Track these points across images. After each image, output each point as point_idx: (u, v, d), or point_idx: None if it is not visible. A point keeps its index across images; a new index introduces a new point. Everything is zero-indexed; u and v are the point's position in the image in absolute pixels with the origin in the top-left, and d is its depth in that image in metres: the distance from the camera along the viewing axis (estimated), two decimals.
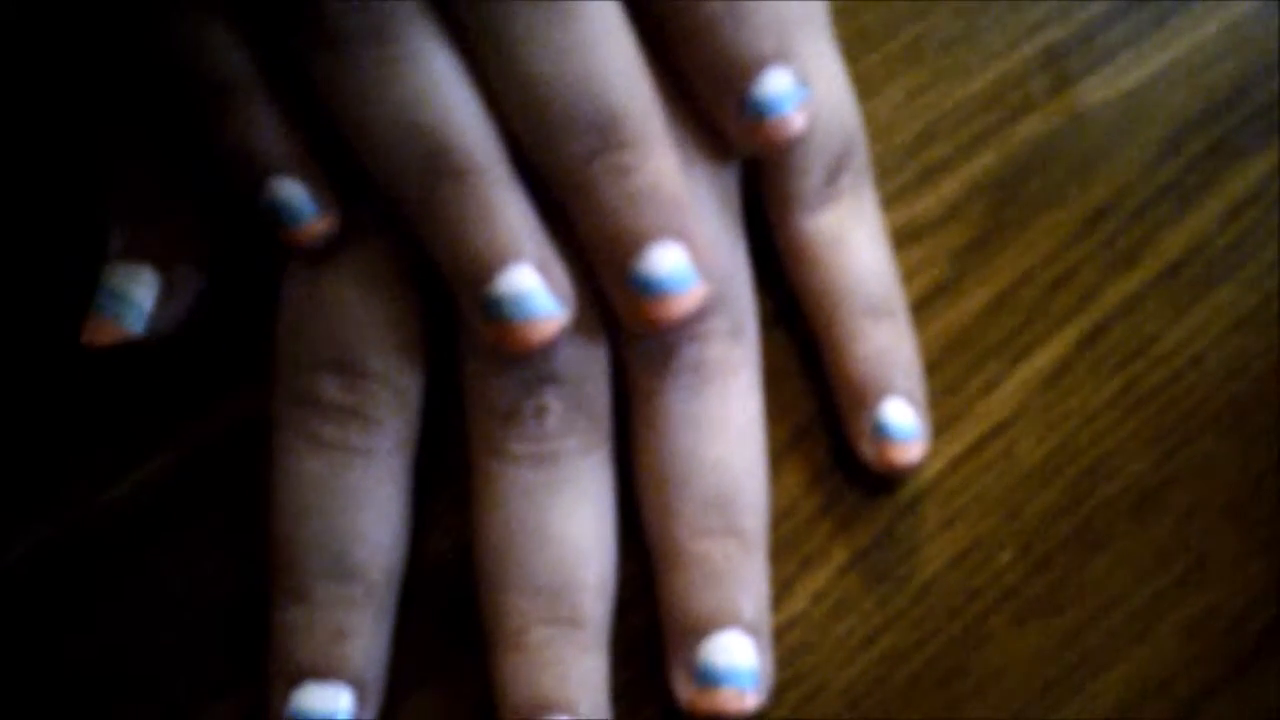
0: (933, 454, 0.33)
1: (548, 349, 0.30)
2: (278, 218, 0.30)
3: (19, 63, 0.33)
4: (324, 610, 0.30)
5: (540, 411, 0.30)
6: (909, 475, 0.33)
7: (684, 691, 0.30)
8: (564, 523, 0.30)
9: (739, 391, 0.31)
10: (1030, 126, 0.35)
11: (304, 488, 0.30)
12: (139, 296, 0.30)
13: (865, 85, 0.35)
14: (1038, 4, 0.36)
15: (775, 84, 0.30)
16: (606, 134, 0.29)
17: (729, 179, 0.32)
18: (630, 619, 0.31)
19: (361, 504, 0.30)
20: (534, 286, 0.29)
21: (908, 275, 0.34)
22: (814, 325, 0.33)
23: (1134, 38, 0.36)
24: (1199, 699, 0.32)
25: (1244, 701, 0.32)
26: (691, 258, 0.30)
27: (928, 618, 0.32)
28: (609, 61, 0.30)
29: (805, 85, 0.31)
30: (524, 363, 0.30)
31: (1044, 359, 0.34)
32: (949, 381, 0.34)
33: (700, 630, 0.30)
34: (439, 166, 0.29)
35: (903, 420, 0.32)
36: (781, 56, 0.30)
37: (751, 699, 0.30)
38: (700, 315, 0.30)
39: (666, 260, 0.29)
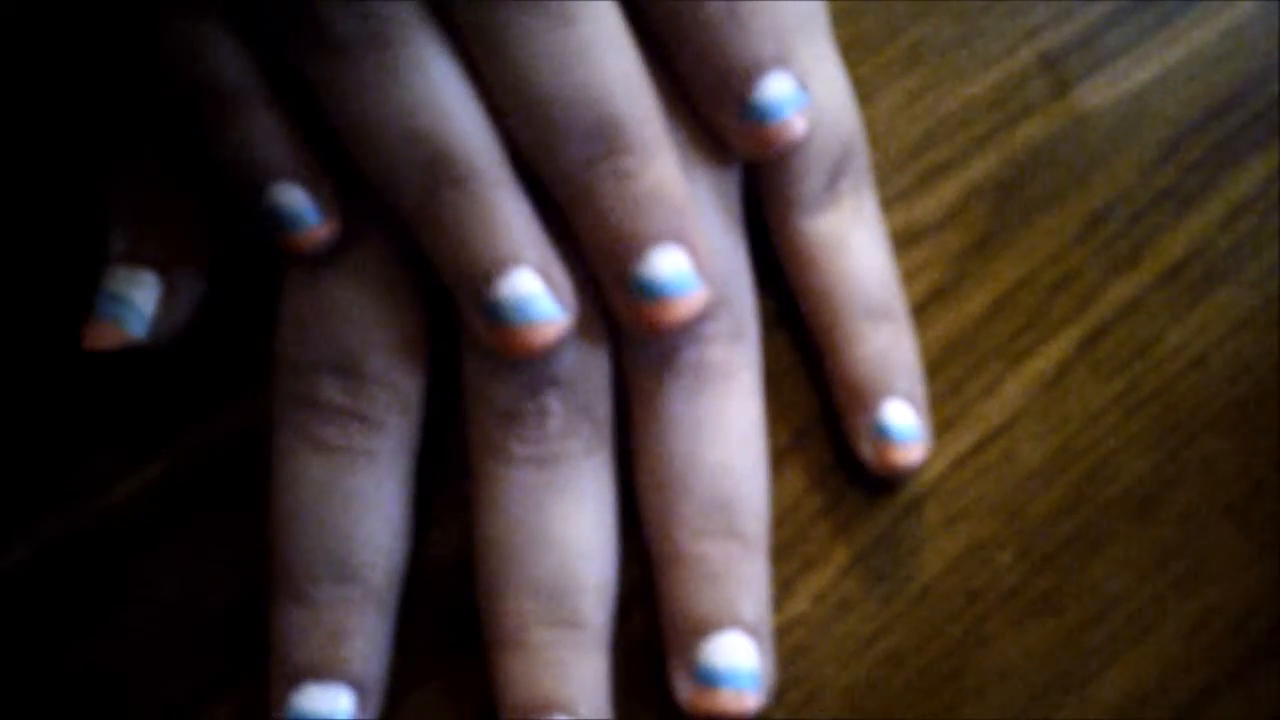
0: (933, 456, 0.33)
1: (549, 353, 0.30)
2: (278, 224, 0.30)
3: (20, 66, 0.33)
4: (324, 611, 0.30)
5: (541, 414, 0.31)
6: (910, 477, 0.33)
7: (684, 692, 0.30)
8: (565, 524, 0.30)
9: (740, 393, 0.32)
10: (1030, 129, 0.35)
11: (305, 490, 0.30)
12: (140, 300, 0.30)
13: (865, 89, 0.35)
14: (1037, 7, 0.36)
15: (775, 88, 0.31)
16: (607, 139, 0.29)
17: (729, 182, 0.32)
18: (630, 620, 0.31)
19: (362, 506, 0.30)
20: (535, 290, 0.29)
21: (908, 278, 0.34)
22: (814, 328, 0.33)
23: (1134, 41, 0.36)
24: (1200, 700, 0.32)
25: (1245, 703, 0.32)
26: (692, 262, 0.30)
27: (928, 619, 0.32)
28: (609, 66, 0.30)
29: (805, 90, 0.31)
30: (525, 365, 0.30)
31: (1044, 361, 0.34)
32: (949, 383, 0.34)
33: (701, 631, 0.30)
34: (439, 172, 0.29)
35: (903, 422, 0.32)
36: (781, 61, 0.31)
37: (752, 700, 0.30)
38: (701, 318, 0.30)
39: (667, 264, 0.30)
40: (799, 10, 0.32)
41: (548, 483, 0.31)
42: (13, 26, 0.32)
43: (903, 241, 0.34)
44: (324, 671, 0.29)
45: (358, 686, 0.30)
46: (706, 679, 0.30)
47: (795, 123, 0.31)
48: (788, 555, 0.32)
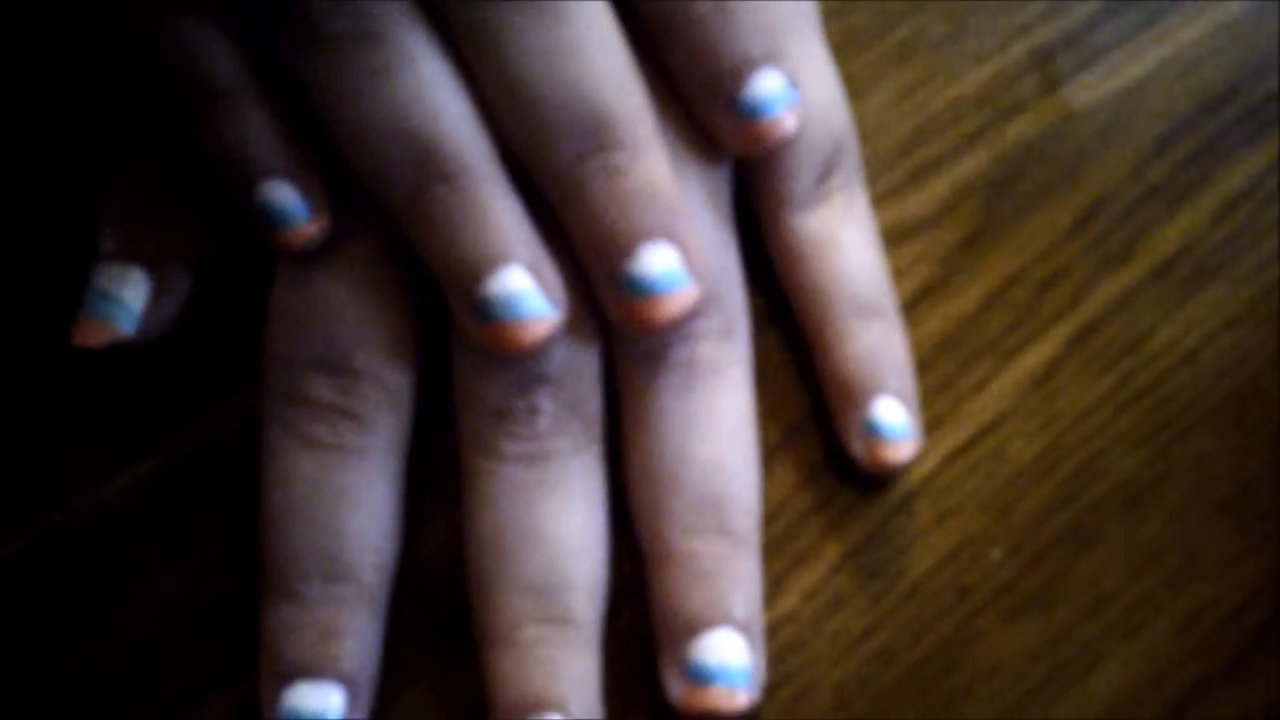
0: (924, 453, 0.33)
1: (539, 350, 0.30)
2: (269, 221, 0.30)
3: (14, 63, 0.33)
4: (315, 609, 0.30)
5: (532, 411, 0.31)
6: (900, 474, 0.33)
7: (676, 690, 0.30)
8: (555, 522, 0.30)
9: (730, 390, 0.32)
10: (1021, 126, 0.35)
11: (295, 487, 0.30)
12: (129, 298, 0.30)
13: (856, 86, 0.35)
14: (1028, 4, 0.36)
15: (766, 85, 0.31)
16: (597, 135, 0.29)
17: (720, 180, 0.32)
18: (621, 617, 0.31)
19: (353, 503, 0.30)
20: (526, 288, 0.29)
21: (898, 275, 0.34)
22: (805, 325, 0.33)
23: (1124, 37, 0.36)
24: (1191, 696, 0.32)
25: (1237, 698, 0.32)
26: (683, 259, 0.30)
27: (919, 616, 0.32)
28: (599, 63, 0.30)
29: (796, 86, 0.31)
30: (516, 363, 0.30)
31: (1035, 357, 0.34)
32: (940, 380, 0.34)
33: (691, 629, 0.30)
34: (429, 169, 0.29)
35: (894, 419, 0.32)
36: (772, 58, 0.31)
37: (743, 697, 0.30)
38: (692, 315, 0.30)
39: (658, 261, 0.30)
40: (789, 7, 0.32)
41: (538, 480, 0.30)
42: (8, 26, 0.32)
43: (893, 238, 0.34)
44: (315, 670, 0.29)
45: (349, 684, 0.30)
46: (698, 676, 0.30)
47: (786, 119, 0.31)
48: (779, 552, 0.32)
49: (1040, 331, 0.34)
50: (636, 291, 0.30)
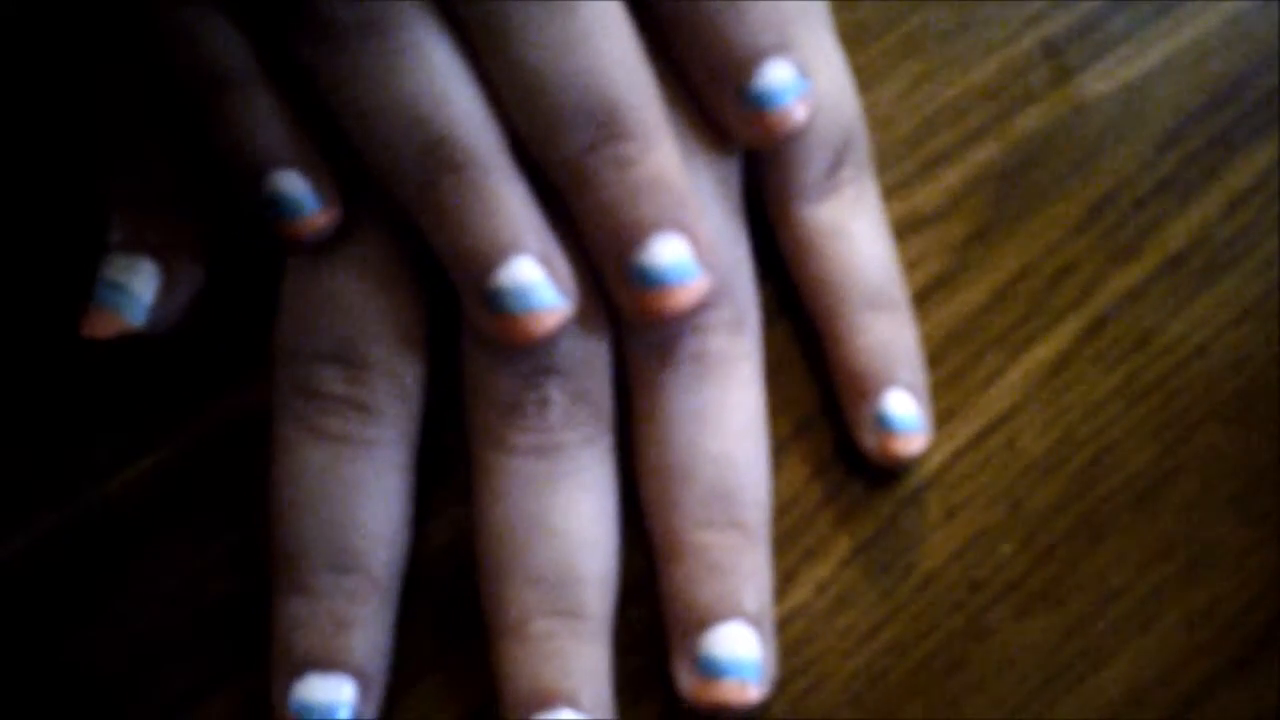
0: (934, 446, 0.33)
1: (550, 341, 0.30)
2: (278, 211, 0.30)
3: (20, 55, 0.33)
4: (326, 601, 0.30)
5: (542, 403, 0.30)
6: (911, 467, 0.33)
7: (686, 683, 0.30)
8: (566, 514, 0.30)
9: (741, 383, 0.31)
10: (1031, 118, 0.35)
11: (305, 479, 0.30)
12: (139, 288, 0.30)
13: (865, 77, 0.35)
14: None
15: (776, 76, 0.30)
16: (607, 126, 0.29)
17: (730, 171, 0.32)
18: (632, 611, 0.31)
19: (363, 495, 0.30)
20: (536, 279, 0.29)
21: (909, 267, 0.34)
22: (815, 317, 0.33)
23: (1135, 29, 0.36)
24: (1202, 691, 0.32)
25: (1247, 694, 0.32)
26: (693, 250, 0.30)
27: (930, 610, 0.32)
28: (609, 53, 0.30)
29: (806, 77, 0.31)
30: (526, 355, 0.30)
31: (1046, 351, 0.34)
32: (950, 373, 0.34)
33: (703, 622, 0.30)
34: (439, 159, 0.29)
35: (905, 412, 0.32)
36: (782, 48, 0.30)
37: (754, 690, 0.30)
38: (702, 307, 0.30)
39: (668, 252, 0.29)
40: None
41: (549, 473, 0.30)
42: (13, 18, 0.32)
43: (903, 230, 0.34)
44: (326, 662, 0.29)
45: (360, 677, 0.29)
46: (709, 670, 0.30)
47: (796, 109, 0.31)
48: (789, 546, 0.32)
49: (1051, 325, 0.34)
50: (647, 283, 0.30)
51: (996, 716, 0.31)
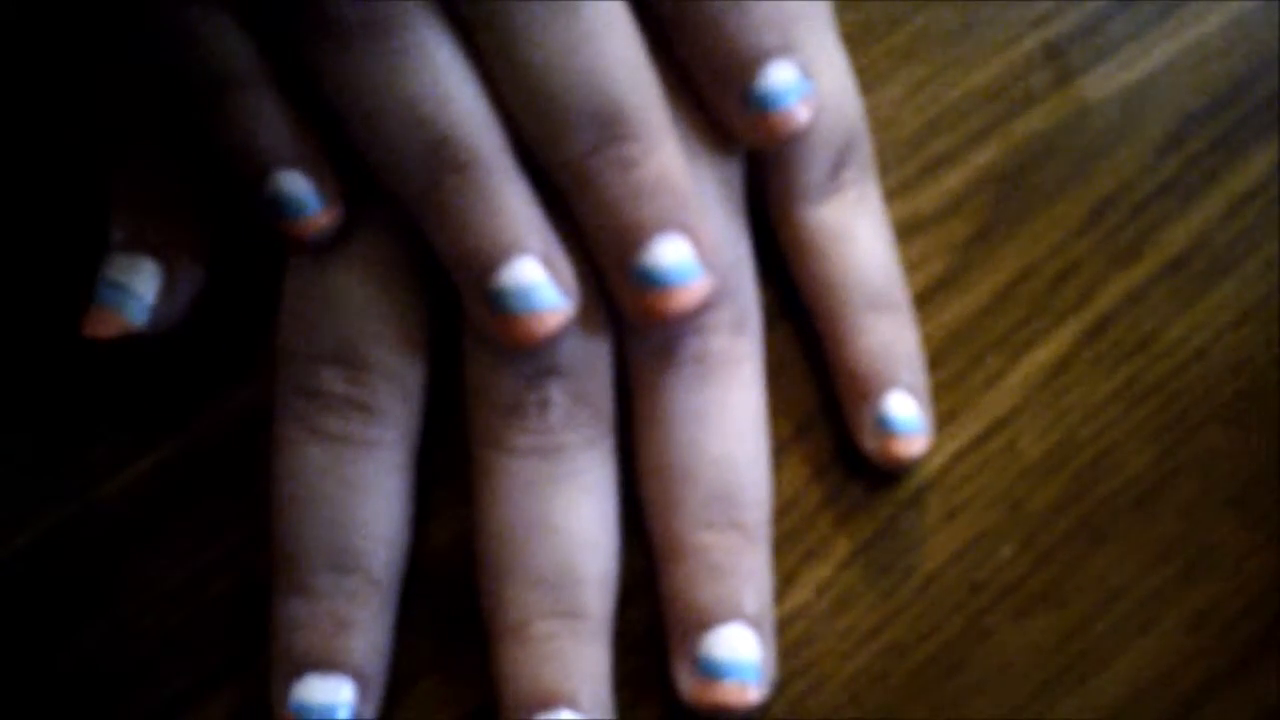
0: (935, 448, 0.33)
1: (551, 342, 0.30)
2: (280, 210, 0.30)
3: (20, 55, 0.33)
4: (326, 602, 0.30)
5: (543, 404, 0.30)
6: (912, 469, 0.33)
7: (686, 684, 0.30)
8: (566, 515, 0.30)
9: (742, 384, 0.31)
10: (1033, 120, 0.35)
11: (306, 479, 0.30)
12: (140, 288, 0.30)
13: (867, 78, 0.35)
14: None
15: (779, 77, 0.30)
16: (610, 127, 0.29)
17: (732, 172, 0.32)
18: (632, 612, 0.31)
19: (364, 495, 0.30)
20: (538, 279, 0.29)
21: (910, 269, 0.34)
22: (817, 318, 0.33)
23: (1137, 31, 0.36)
24: (1202, 693, 0.32)
25: (1248, 695, 0.32)
26: (695, 250, 0.30)
27: (930, 611, 0.32)
28: (612, 54, 0.30)
29: (809, 78, 0.31)
30: (527, 356, 0.30)
31: (1047, 353, 0.34)
32: (951, 375, 0.34)
33: (703, 623, 0.30)
34: (442, 159, 0.29)
35: (906, 413, 0.32)
36: (785, 49, 0.30)
37: (754, 692, 0.30)
38: (704, 308, 0.30)
39: (670, 253, 0.29)
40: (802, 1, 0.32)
41: (549, 474, 0.30)
42: (16, 17, 0.32)
43: (904, 232, 0.34)
44: (325, 662, 0.29)
45: (359, 677, 0.29)
46: (709, 671, 0.30)
47: (799, 111, 0.31)
48: (789, 547, 0.32)
49: (1051, 327, 0.34)
50: (649, 283, 0.30)
51: (997, 718, 0.31)
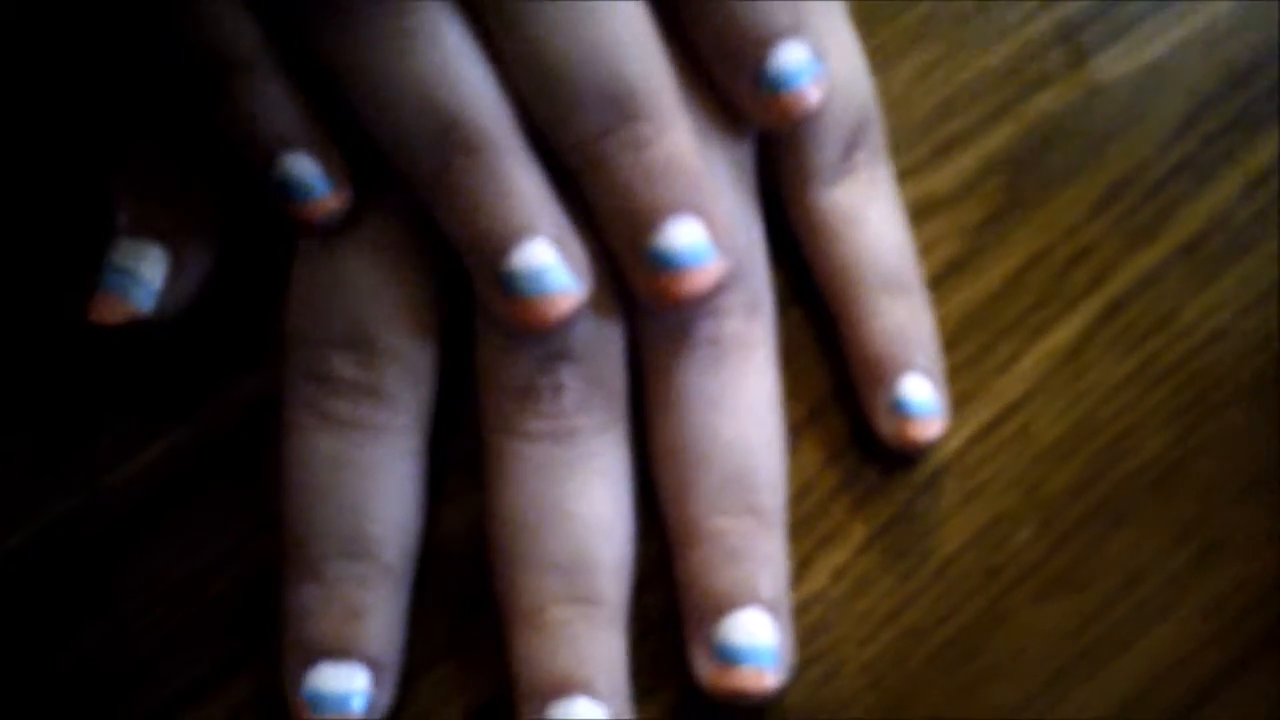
0: (951, 431, 0.32)
1: (564, 325, 0.29)
2: (289, 194, 0.29)
3: (24, 41, 0.32)
4: (338, 589, 0.29)
5: (556, 389, 0.30)
6: (927, 452, 0.32)
7: (704, 670, 0.30)
8: (580, 500, 0.30)
9: (756, 368, 0.31)
10: (1046, 100, 0.35)
11: (317, 465, 0.30)
12: (147, 274, 0.30)
13: (879, 59, 0.34)
14: None
15: (791, 57, 0.30)
16: (621, 107, 0.29)
17: (744, 155, 0.32)
18: (647, 598, 0.31)
19: (376, 481, 0.30)
20: (550, 261, 0.29)
21: (923, 251, 0.33)
22: (831, 301, 0.32)
23: (1151, 11, 0.36)
24: (1220, 678, 0.31)
25: (1266, 681, 0.31)
26: (709, 232, 0.29)
27: (947, 595, 0.32)
28: (623, 35, 0.29)
29: (821, 58, 0.30)
30: (539, 339, 0.30)
31: (1062, 335, 0.33)
32: (966, 358, 0.33)
33: (719, 608, 0.30)
34: (453, 141, 0.29)
35: (922, 396, 0.31)
36: (796, 30, 0.30)
37: (772, 677, 0.29)
38: (718, 290, 0.30)
39: (684, 235, 0.29)
40: None
41: (563, 459, 0.30)
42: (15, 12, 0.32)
43: (917, 215, 0.34)
44: (339, 650, 0.29)
45: (374, 665, 0.29)
46: (726, 657, 0.29)
47: (811, 92, 0.30)
48: (805, 532, 0.32)
49: (1067, 309, 0.34)
50: (662, 266, 0.29)
51: (1015, 701, 0.31)
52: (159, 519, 0.31)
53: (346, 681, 0.29)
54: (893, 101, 0.34)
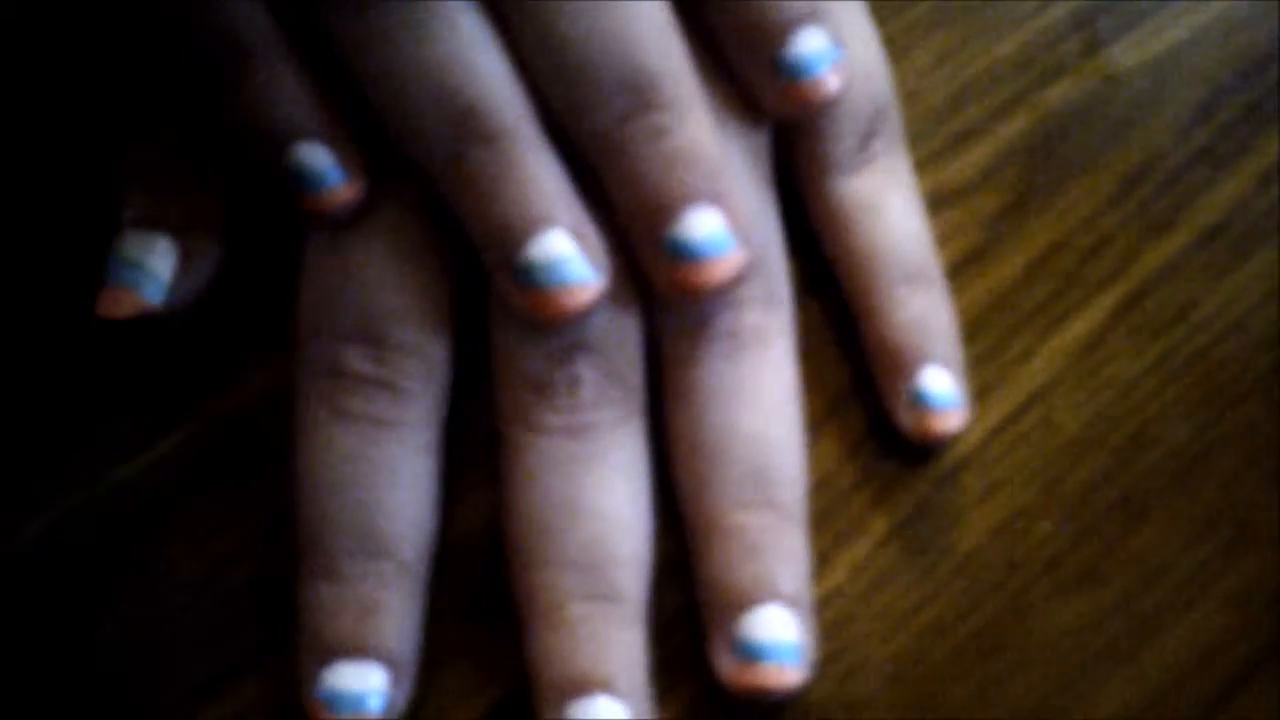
0: (970, 423, 0.32)
1: (581, 317, 0.29)
2: (302, 185, 0.29)
3: (31, 31, 0.32)
4: (354, 587, 0.29)
5: (573, 382, 0.30)
6: (947, 445, 0.32)
7: (725, 667, 0.29)
8: (598, 495, 0.29)
9: (774, 360, 0.31)
10: (1062, 90, 0.35)
11: (331, 461, 0.29)
12: (156, 266, 0.29)
13: (894, 49, 0.34)
14: None
15: (809, 44, 0.30)
16: (640, 96, 0.29)
17: (761, 144, 0.31)
18: (667, 593, 0.30)
19: (391, 477, 0.29)
20: (568, 252, 0.28)
21: (940, 241, 0.33)
22: (849, 292, 0.32)
23: (1165, 0, 0.35)
24: (1245, 672, 0.31)
25: None
26: (728, 222, 0.29)
27: (969, 590, 0.31)
28: (641, 23, 0.29)
29: (839, 45, 0.30)
30: (556, 332, 0.30)
31: (1081, 326, 0.33)
32: (984, 350, 0.33)
33: (740, 604, 0.29)
34: (468, 130, 0.28)
35: (942, 388, 0.31)
36: (814, 17, 0.30)
37: (794, 674, 0.29)
38: (737, 281, 0.29)
39: (703, 225, 0.29)
40: None
41: (580, 453, 0.30)
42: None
43: (934, 205, 0.33)
44: (355, 648, 0.28)
45: (390, 663, 0.29)
46: (748, 653, 0.29)
47: (830, 79, 0.30)
48: (825, 526, 0.31)
49: (1085, 300, 0.33)
50: (681, 256, 0.29)
51: (1039, 697, 0.31)
52: (170, 515, 0.31)
53: (363, 680, 0.28)
54: (907, 91, 0.34)
